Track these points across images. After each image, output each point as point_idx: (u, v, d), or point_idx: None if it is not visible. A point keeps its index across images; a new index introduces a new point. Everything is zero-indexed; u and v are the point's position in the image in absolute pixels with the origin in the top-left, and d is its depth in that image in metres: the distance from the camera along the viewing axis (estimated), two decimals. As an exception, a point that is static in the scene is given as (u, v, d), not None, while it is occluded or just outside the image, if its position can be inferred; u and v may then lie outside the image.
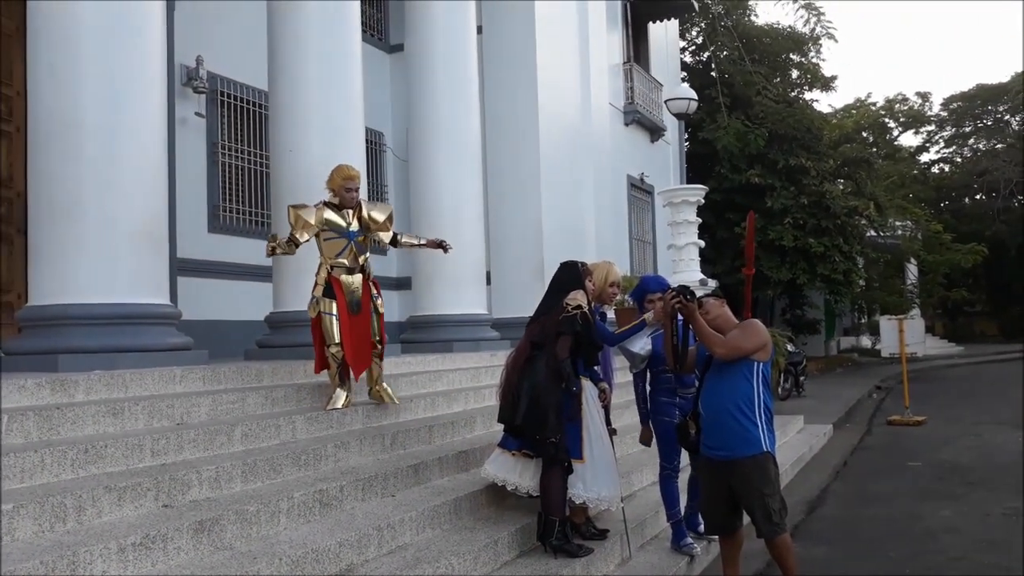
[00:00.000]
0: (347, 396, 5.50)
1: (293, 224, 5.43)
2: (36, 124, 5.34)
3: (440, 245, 5.96)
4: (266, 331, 7.16)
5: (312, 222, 5.41)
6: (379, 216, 5.66)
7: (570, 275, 4.86)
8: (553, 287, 4.87)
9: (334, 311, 5.39)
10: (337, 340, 5.35)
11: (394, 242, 5.83)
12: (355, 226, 5.52)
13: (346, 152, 6.95)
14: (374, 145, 11.67)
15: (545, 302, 4.84)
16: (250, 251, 9.35)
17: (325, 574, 3.69)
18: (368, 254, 5.65)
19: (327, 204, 5.50)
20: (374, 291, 5.60)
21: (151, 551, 3.33)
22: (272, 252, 5.48)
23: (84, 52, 5.22)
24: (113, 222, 5.26)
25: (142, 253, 5.43)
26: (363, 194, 6.99)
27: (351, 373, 5.52)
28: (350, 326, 5.38)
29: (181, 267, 8.26)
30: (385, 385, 5.76)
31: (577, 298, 4.67)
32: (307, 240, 5.48)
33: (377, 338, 5.54)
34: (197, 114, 9.19)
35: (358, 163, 7.11)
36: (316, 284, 5.52)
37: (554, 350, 4.57)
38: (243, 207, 9.80)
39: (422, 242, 6.05)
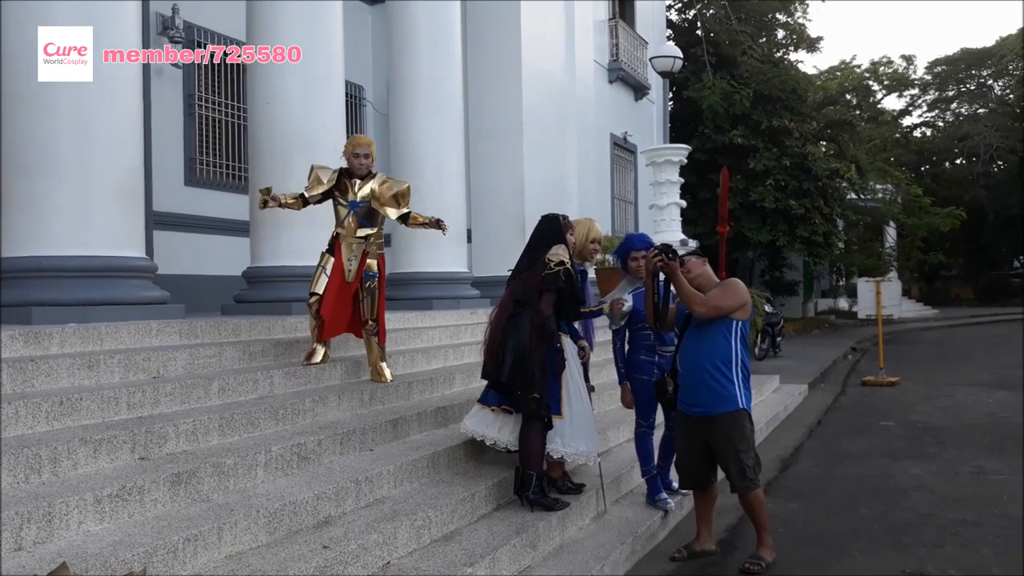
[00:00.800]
0: (324, 352, 5.48)
1: (309, 180, 5.44)
2: (7, 74, 5.21)
3: (437, 224, 5.75)
4: (243, 286, 7.11)
5: (324, 181, 5.40)
6: (387, 191, 5.51)
7: (551, 229, 4.82)
8: (534, 241, 4.84)
9: (328, 266, 5.37)
10: (318, 292, 5.31)
11: (404, 220, 5.60)
12: (362, 196, 5.42)
13: (325, 105, 6.88)
14: (354, 99, 11.52)
15: (526, 256, 4.81)
16: (228, 205, 9.25)
17: (302, 526, 3.71)
18: (376, 230, 5.50)
19: (343, 171, 5.48)
20: (374, 269, 5.47)
21: (127, 503, 3.33)
22: (264, 205, 5.35)
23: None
24: (87, 174, 5.18)
25: (117, 205, 5.36)
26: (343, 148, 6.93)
27: (374, 348, 5.57)
28: (337, 290, 5.34)
29: (157, 221, 8.18)
30: (384, 365, 5.64)
31: (559, 253, 4.65)
32: (316, 196, 5.41)
33: (369, 318, 5.46)
34: (173, 65, 9.01)
35: (338, 116, 7.03)
36: None
37: (538, 307, 4.56)
38: (220, 160, 9.67)
39: (427, 221, 5.76)
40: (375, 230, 5.51)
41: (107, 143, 5.27)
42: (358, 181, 5.44)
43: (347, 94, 7.92)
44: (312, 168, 5.50)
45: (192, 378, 4.60)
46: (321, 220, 6.25)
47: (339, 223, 5.46)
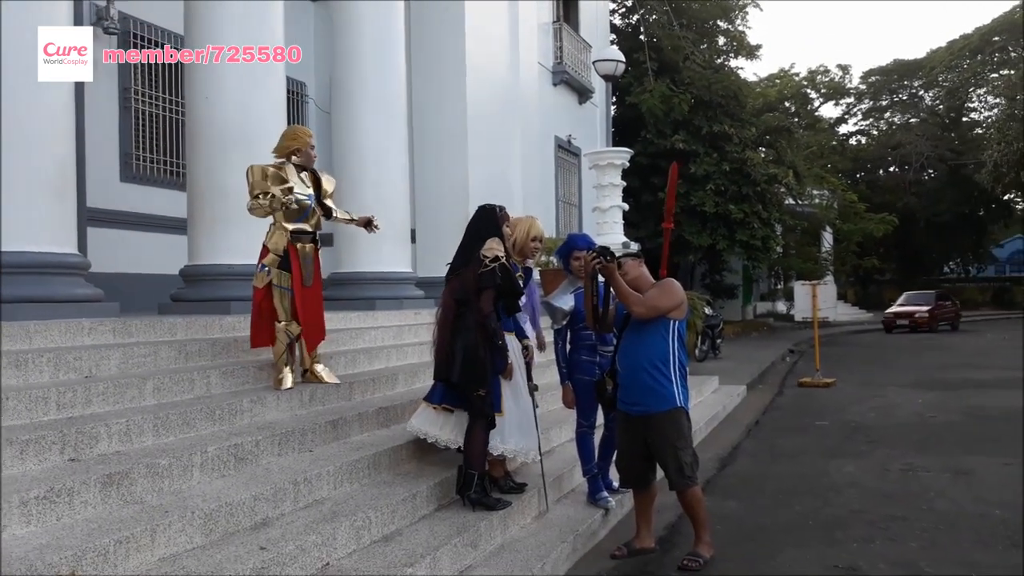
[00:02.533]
0: (294, 373, 5.26)
1: (262, 180, 5.00)
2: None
3: (368, 223, 5.66)
4: (181, 284, 6.96)
5: (286, 177, 5.07)
6: (328, 187, 5.43)
7: (486, 220, 4.79)
8: (470, 233, 4.80)
9: (289, 285, 5.09)
10: (292, 317, 5.11)
11: (328, 214, 5.49)
12: (311, 190, 5.29)
13: (265, 101, 6.79)
14: (296, 96, 11.36)
15: (462, 251, 4.77)
16: (165, 201, 9.05)
17: (239, 527, 3.64)
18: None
19: (293, 166, 5.19)
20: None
21: (56, 505, 3.23)
22: (279, 206, 5.01)
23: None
24: (16, 167, 5.02)
25: (47, 200, 5.21)
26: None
27: (297, 349, 5.30)
28: (303, 299, 5.13)
29: (92, 217, 7.95)
30: (320, 366, 5.51)
31: (493, 248, 4.62)
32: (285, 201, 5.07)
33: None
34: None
35: (279, 112, 6.94)
36: (266, 251, 5.12)
37: (478, 305, 4.56)
38: (157, 156, 9.45)
39: (354, 218, 5.69)
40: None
41: (34, 134, 5.12)
42: (305, 174, 5.29)
43: (288, 90, 7.80)
44: (259, 168, 5.09)
45: (126, 377, 4.49)
46: (263, 219, 6.14)
47: (296, 221, 5.13)
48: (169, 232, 8.61)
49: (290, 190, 5.07)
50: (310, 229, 5.24)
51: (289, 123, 8.01)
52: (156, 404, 4.45)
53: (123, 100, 9.04)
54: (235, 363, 5.32)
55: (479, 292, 4.55)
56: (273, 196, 5.01)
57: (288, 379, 5.21)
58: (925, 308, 26.51)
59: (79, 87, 6.03)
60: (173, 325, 5.56)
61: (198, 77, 6.71)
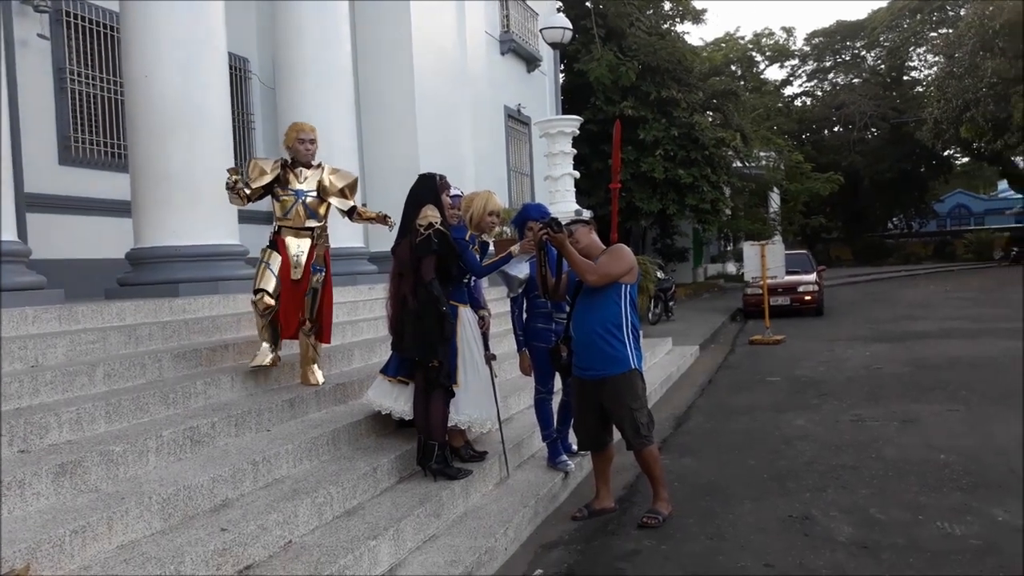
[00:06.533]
0: (275, 353, 5.14)
1: (250, 173, 5.13)
2: None
3: (384, 220, 5.51)
4: (127, 268, 6.82)
5: (268, 171, 5.11)
6: (337, 182, 5.31)
7: (424, 188, 4.77)
8: (409, 202, 4.77)
9: (274, 263, 5.04)
10: (266, 288, 4.95)
11: (351, 214, 5.41)
12: (309, 186, 5.20)
13: (207, 78, 6.63)
14: (239, 71, 11.11)
15: (403, 221, 4.76)
16: (108, 185, 8.82)
17: (199, 510, 3.62)
18: (323, 223, 5.30)
19: (285, 162, 5.22)
20: (322, 262, 5.23)
21: (7, 498, 3.17)
22: (234, 185, 5.02)
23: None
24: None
25: (-18, 186, 5.05)
26: (228, 124, 6.70)
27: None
28: (287, 290, 5.05)
29: (30, 203, 7.72)
30: (316, 367, 5.38)
31: (428, 215, 4.59)
32: (258, 189, 5.11)
33: (308, 316, 5.19)
34: (40, 36, 8.47)
35: (221, 89, 6.79)
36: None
37: (419, 274, 4.54)
38: (97, 138, 9.18)
39: (374, 216, 5.53)
40: (322, 223, 5.30)
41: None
42: (303, 170, 5.22)
43: (231, 66, 7.63)
44: (252, 160, 5.23)
45: (74, 365, 4.41)
46: (209, 199, 6.07)
47: (283, 214, 5.16)
48: (113, 215, 8.40)
49: (244, 184, 5.10)
50: (292, 224, 5.17)
51: (233, 100, 7.84)
52: (107, 391, 4.39)
53: (58, 81, 8.76)
54: (187, 346, 5.25)
55: (418, 261, 4.54)
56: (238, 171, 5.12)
57: (260, 357, 5.08)
58: (810, 278, 17.59)
59: (10, 69, 5.81)
60: (121, 309, 5.47)
61: (135, 55, 6.51)
